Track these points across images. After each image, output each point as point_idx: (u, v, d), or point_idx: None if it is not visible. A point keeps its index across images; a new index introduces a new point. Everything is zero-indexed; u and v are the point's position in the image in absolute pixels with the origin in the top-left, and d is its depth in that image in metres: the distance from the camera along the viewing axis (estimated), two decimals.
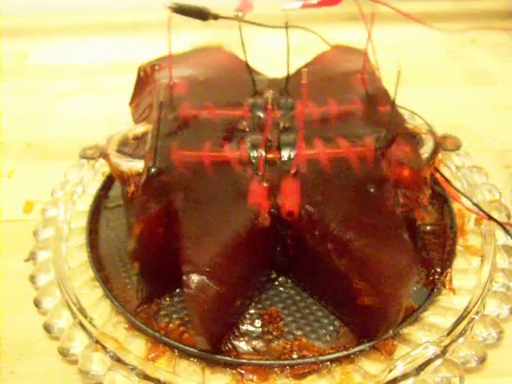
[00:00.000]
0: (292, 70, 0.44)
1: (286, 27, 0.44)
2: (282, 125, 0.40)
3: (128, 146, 0.41)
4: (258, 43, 0.69)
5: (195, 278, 0.32)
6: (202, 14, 0.43)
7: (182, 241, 0.34)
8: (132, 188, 0.38)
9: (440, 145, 0.40)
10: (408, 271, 0.33)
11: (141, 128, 0.42)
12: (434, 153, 0.38)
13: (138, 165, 0.38)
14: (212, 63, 0.47)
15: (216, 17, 0.43)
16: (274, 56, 0.48)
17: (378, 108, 0.40)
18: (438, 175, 0.45)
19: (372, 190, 0.35)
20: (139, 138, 0.41)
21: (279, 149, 0.37)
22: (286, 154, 0.37)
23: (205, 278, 0.32)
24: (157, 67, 0.46)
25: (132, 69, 0.49)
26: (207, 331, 0.34)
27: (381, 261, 0.33)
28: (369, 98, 0.41)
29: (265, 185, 0.35)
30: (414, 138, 0.39)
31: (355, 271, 0.33)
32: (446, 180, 0.45)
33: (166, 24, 0.41)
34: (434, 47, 0.75)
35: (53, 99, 0.67)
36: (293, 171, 0.36)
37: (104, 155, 0.40)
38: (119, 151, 0.40)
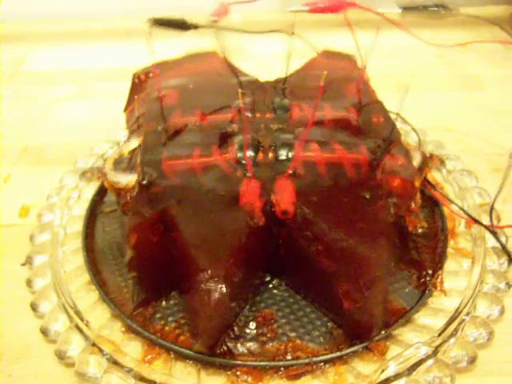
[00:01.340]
0: (284, 75, 0.45)
1: (292, 32, 0.44)
2: (275, 126, 0.40)
3: (123, 162, 0.42)
4: (252, 49, 0.70)
5: (209, 284, 0.33)
6: (182, 26, 0.44)
7: (188, 250, 0.34)
8: (126, 199, 0.39)
9: (428, 160, 0.41)
10: (388, 272, 0.34)
11: (134, 143, 0.42)
12: (423, 167, 0.39)
13: (134, 178, 0.39)
14: (204, 69, 0.48)
15: (196, 26, 0.44)
16: (267, 61, 0.49)
17: (371, 117, 0.41)
18: (428, 179, 0.46)
19: (365, 196, 0.36)
20: (133, 153, 0.42)
21: (273, 149, 0.38)
22: (282, 154, 0.38)
23: (217, 283, 0.33)
24: (151, 74, 0.46)
25: (127, 74, 0.50)
26: (208, 334, 0.35)
27: (364, 261, 0.33)
28: (363, 108, 0.42)
29: (256, 184, 0.36)
30: (406, 150, 0.40)
31: (340, 272, 0.34)
32: (433, 186, 0.45)
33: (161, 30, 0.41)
34: (425, 53, 0.76)
35: (48, 105, 0.67)
36: (290, 171, 0.36)
37: (102, 175, 0.41)
38: (115, 169, 0.41)
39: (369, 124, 0.41)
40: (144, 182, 0.36)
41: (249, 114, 0.41)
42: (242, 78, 0.46)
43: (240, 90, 0.33)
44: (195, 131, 0.40)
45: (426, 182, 0.44)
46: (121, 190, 0.39)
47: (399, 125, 0.46)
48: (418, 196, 0.39)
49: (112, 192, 0.40)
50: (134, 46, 0.78)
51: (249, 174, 0.36)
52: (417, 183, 0.38)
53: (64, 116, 0.65)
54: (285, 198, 0.35)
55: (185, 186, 0.36)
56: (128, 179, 0.39)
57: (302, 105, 0.42)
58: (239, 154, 0.38)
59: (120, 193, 0.39)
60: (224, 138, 0.39)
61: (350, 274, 0.34)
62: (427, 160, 0.41)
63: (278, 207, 0.35)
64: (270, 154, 0.38)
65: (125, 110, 0.48)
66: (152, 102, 0.43)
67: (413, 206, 0.38)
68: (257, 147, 0.39)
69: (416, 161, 0.40)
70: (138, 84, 0.47)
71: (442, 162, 0.49)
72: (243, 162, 0.37)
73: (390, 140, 0.37)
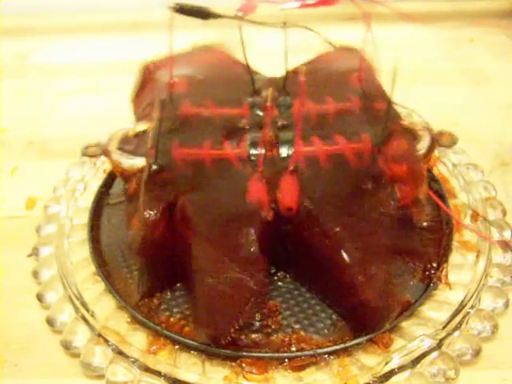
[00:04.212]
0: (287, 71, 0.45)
1: (284, 27, 0.44)
2: (279, 123, 0.40)
3: (129, 144, 0.41)
4: (258, 43, 0.69)
5: (215, 276, 0.33)
6: (202, 14, 0.44)
7: (194, 241, 0.34)
8: (133, 185, 0.39)
9: (436, 141, 0.40)
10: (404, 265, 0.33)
11: (142, 126, 0.42)
12: (431, 149, 0.39)
13: (139, 162, 0.39)
14: (212, 62, 0.47)
15: (217, 16, 0.44)
16: (274, 56, 0.48)
17: (374, 105, 0.41)
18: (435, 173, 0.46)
19: (369, 186, 0.36)
20: (140, 136, 0.42)
21: (275, 146, 0.38)
22: (284, 151, 0.38)
23: (208, 272, 0.33)
24: (159, 65, 0.46)
25: (133, 68, 0.49)
26: (214, 325, 0.35)
27: (378, 254, 0.33)
28: (366, 96, 0.42)
29: (264, 181, 0.36)
30: (410, 135, 0.40)
31: (353, 265, 0.34)
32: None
33: (165, 23, 0.41)
34: (432, 46, 0.75)
35: (54, 98, 0.67)
36: (291, 168, 0.36)
37: (105, 153, 0.41)
38: (120, 149, 0.41)
39: (371, 111, 0.40)
40: (154, 168, 0.36)
41: (259, 112, 0.41)
42: (252, 72, 0.46)
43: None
44: (205, 122, 0.40)
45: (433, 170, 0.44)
46: (125, 172, 0.39)
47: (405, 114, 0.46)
48: (423, 183, 0.39)
49: (117, 174, 0.40)
50: (140, 39, 0.79)
51: (259, 171, 0.36)
52: (421, 168, 0.37)
53: (70, 109, 0.65)
54: (288, 195, 0.35)
55: (194, 176, 0.36)
56: (132, 162, 0.38)
57: (304, 100, 0.42)
58: (250, 151, 0.37)
59: (125, 175, 0.39)
60: (233, 133, 0.39)
61: (356, 265, 0.34)
62: (436, 140, 0.40)
63: (282, 205, 0.35)
64: (274, 151, 0.38)
65: (132, 100, 0.48)
66: (161, 89, 0.43)
67: (419, 195, 0.38)
68: (264, 143, 0.38)
69: (424, 141, 0.39)
70: (147, 75, 0.47)
71: (454, 140, 0.48)
72: (253, 158, 0.37)
73: (391, 126, 0.37)
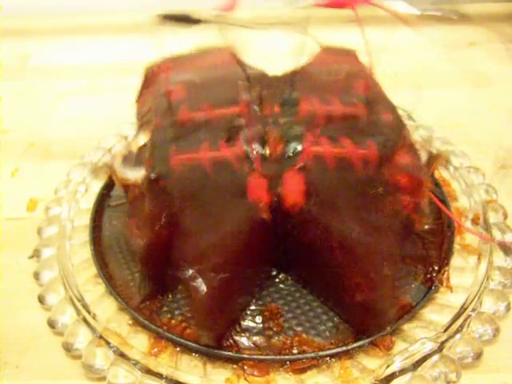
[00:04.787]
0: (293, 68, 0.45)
1: (282, 28, 0.44)
2: (282, 121, 0.40)
3: (132, 158, 0.42)
4: (259, 44, 0.69)
5: (198, 274, 0.33)
6: (190, 21, 0.44)
7: (185, 240, 0.34)
8: (133, 192, 0.39)
9: (434, 158, 0.41)
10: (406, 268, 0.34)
11: (142, 139, 0.42)
12: (430, 165, 0.39)
13: (143, 174, 0.39)
14: (214, 64, 0.47)
15: (205, 21, 0.44)
16: (274, 57, 0.49)
17: (379, 114, 0.41)
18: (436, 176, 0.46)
19: (373, 192, 0.36)
20: (142, 148, 0.42)
21: (281, 143, 0.38)
22: (292, 147, 0.38)
23: (208, 274, 0.33)
24: (163, 67, 0.46)
25: (134, 69, 0.49)
26: (210, 326, 0.35)
27: (373, 255, 0.33)
28: (371, 103, 0.42)
29: (263, 179, 0.36)
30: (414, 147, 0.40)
31: (356, 266, 0.34)
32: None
33: (163, 28, 0.41)
34: (432, 49, 0.75)
35: (55, 99, 0.67)
36: (300, 164, 0.36)
37: (111, 172, 0.41)
38: (124, 165, 0.41)
39: (377, 120, 0.40)
40: (152, 176, 0.36)
41: (256, 108, 0.41)
42: (250, 71, 0.46)
43: (243, 83, 0.33)
44: (203, 126, 0.40)
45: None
46: (130, 186, 0.39)
47: (407, 122, 0.46)
48: (425, 193, 0.39)
49: (121, 187, 0.40)
50: (141, 40, 0.79)
51: (256, 168, 0.36)
52: (425, 180, 0.37)
53: (71, 110, 0.65)
54: (294, 190, 0.35)
55: (193, 181, 0.36)
56: (137, 175, 0.39)
57: (311, 98, 0.42)
58: (246, 148, 0.38)
59: (129, 187, 0.39)
60: (232, 132, 0.39)
61: (359, 267, 0.34)
62: (434, 158, 0.41)
63: (287, 200, 0.35)
64: (278, 148, 0.38)
65: (136, 101, 0.48)
66: (160, 96, 0.43)
67: (421, 204, 0.38)
68: (264, 141, 0.39)
69: (422, 158, 0.40)
70: (151, 77, 0.47)
71: (447, 161, 0.49)
72: (251, 156, 0.37)
73: (398, 137, 0.37)
